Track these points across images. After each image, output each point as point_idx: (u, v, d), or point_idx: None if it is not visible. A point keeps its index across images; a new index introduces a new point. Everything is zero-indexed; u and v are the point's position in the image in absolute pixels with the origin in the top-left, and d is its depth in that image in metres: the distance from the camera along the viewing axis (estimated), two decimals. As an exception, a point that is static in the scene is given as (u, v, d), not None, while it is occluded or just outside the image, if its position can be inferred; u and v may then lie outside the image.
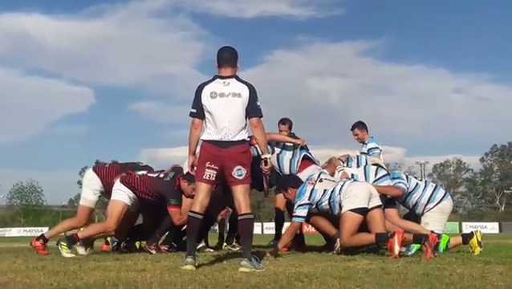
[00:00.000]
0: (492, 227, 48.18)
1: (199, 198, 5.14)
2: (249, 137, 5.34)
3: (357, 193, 6.47)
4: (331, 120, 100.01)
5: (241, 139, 5.10)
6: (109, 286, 3.85)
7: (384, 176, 7.28)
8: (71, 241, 6.95)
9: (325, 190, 6.71)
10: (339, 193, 6.57)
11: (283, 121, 9.80)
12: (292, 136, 9.65)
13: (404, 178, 7.47)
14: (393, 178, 7.32)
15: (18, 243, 14.36)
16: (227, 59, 5.27)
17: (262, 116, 5.21)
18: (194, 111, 5.20)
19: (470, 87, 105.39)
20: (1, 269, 5.03)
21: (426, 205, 7.35)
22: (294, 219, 6.72)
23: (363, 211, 6.42)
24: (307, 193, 6.70)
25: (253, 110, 5.16)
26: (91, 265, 5.25)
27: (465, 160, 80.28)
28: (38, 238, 7.45)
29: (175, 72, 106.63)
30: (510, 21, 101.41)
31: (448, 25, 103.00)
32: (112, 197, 7.30)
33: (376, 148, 8.64)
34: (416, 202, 7.39)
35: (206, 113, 5.15)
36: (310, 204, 6.68)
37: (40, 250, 7.23)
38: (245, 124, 5.16)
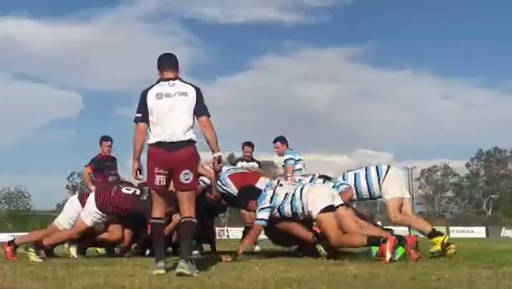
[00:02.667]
0: (479, 232, 48.36)
1: (157, 204, 5.21)
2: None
3: (319, 194, 6.52)
4: (320, 125, 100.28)
5: (188, 139, 5.08)
6: (98, 291, 3.85)
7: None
8: (38, 247, 7.27)
9: (286, 194, 6.77)
10: (301, 197, 6.59)
11: (249, 144, 11.10)
12: (252, 159, 10.97)
13: (341, 180, 7.58)
14: (334, 187, 7.35)
15: (5, 249, 14.24)
16: (169, 64, 5.37)
17: (210, 116, 5.21)
18: (139, 115, 5.21)
19: (458, 93, 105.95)
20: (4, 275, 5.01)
21: (378, 179, 7.40)
22: (256, 222, 6.84)
23: (332, 209, 6.41)
24: (268, 198, 6.77)
25: (201, 109, 5.19)
26: (79, 270, 5.24)
27: (451, 165, 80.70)
28: (9, 243, 7.56)
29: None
30: (498, 25, 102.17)
31: (436, 30, 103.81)
32: (83, 217, 7.52)
33: (291, 159, 9.58)
34: (369, 188, 7.45)
35: (152, 116, 5.15)
36: (272, 207, 6.72)
37: (9, 256, 7.36)
38: (192, 125, 5.15)
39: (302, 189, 6.70)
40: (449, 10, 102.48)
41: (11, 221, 67.55)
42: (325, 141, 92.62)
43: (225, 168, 7.70)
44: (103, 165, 10.48)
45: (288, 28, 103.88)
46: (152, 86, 5.26)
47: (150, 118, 5.14)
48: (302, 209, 6.56)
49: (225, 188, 7.78)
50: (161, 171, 5.07)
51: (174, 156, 5.04)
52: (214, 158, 5.27)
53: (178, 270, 4.73)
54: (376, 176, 7.40)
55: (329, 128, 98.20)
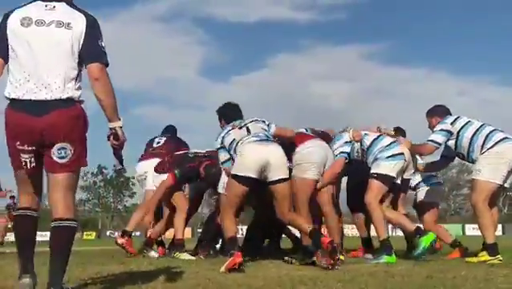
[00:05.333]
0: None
1: (25, 189, 3.49)
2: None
3: (244, 157, 5.49)
4: (335, 123, 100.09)
5: (66, 97, 3.26)
6: (113, 290, 3.86)
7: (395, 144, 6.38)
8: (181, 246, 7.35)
9: (233, 139, 5.82)
10: (235, 150, 5.71)
11: None
12: None
13: (451, 120, 6.36)
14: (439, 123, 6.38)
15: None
16: None
17: (107, 64, 3.39)
18: None
19: (474, 90, 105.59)
20: (6, 273, 5.04)
21: (482, 147, 6.07)
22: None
23: (248, 181, 5.42)
24: (219, 138, 5.96)
25: (92, 52, 3.33)
26: (95, 269, 5.25)
27: (467, 163, 79.88)
28: (122, 235, 7.71)
29: (177, 76, 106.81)
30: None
31: (450, 28, 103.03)
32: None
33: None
34: (471, 144, 6.15)
35: (12, 52, 3.30)
36: (223, 147, 5.92)
37: (128, 247, 7.52)
38: (76, 75, 3.34)
39: (242, 141, 5.70)
40: (465, 8, 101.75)
41: (27, 221, 68.29)
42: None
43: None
44: None
45: (302, 26, 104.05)
46: (22, 6, 3.38)
47: (10, 54, 3.31)
48: None
49: None
50: (25, 147, 3.25)
51: (42, 122, 3.20)
52: (109, 130, 3.44)
53: None
54: (484, 139, 6.08)
55: (344, 126, 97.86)
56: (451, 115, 6.57)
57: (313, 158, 6.02)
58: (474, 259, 5.87)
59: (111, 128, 3.42)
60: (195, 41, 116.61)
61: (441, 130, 6.35)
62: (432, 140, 6.37)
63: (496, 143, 6.02)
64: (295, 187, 5.89)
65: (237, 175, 5.47)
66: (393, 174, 6.23)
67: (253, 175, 5.40)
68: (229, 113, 6.31)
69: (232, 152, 5.80)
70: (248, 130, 5.83)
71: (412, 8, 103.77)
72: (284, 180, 5.51)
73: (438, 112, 6.68)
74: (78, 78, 3.34)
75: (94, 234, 54.19)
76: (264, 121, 6.01)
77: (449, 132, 6.31)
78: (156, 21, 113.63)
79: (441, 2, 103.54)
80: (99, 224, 70.89)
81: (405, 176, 6.59)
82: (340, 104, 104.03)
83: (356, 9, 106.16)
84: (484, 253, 5.92)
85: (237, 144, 5.71)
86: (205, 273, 4.86)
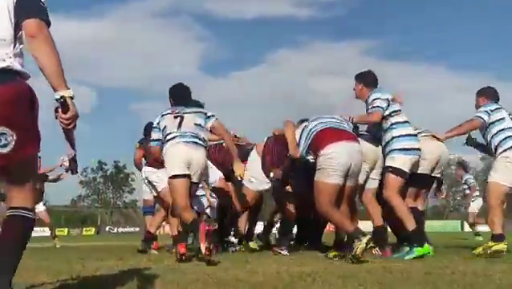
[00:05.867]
0: (494, 225, 47.87)
1: None
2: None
3: (173, 158, 5.94)
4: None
5: (4, 66, 2.61)
6: (112, 285, 3.86)
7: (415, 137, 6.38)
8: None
9: (165, 126, 6.12)
10: (165, 137, 6.08)
11: None
12: None
13: (492, 108, 6.60)
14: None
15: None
16: None
17: (48, 23, 2.71)
18: None
19: (472, 86, 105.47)
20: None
21: (496, 149, 6.46)
22: None
23: (185, 176, 5.92)
24: (159, 117, 6.23)
25: (28, 6, 2.66)
26: (94, 265, 5.27)
27: (466, 159, 79.74)
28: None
29: (176, 73, 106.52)
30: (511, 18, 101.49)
31: (449, 23, 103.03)
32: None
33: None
34: (490, 142, 6.51)
35: None
36: (158, 128, 6.20)
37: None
38: (14, 39, 2.68)
39: (172, 138, 6.02)
40: (463, 3, 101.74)
41: (26, 217, 68.26)
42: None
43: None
44: None
45: (301, 22, 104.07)
46: None
47: None
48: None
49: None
50: None
51: None
52: (57, 101, 2.68)
53: None
54: (498, 142, 6.41)
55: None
56: (498, 101, 6.79)
57: (336, 164, 5.69)
58: (480, 249, 6.09)
59: (57, 99, 2.67)
60: (193, 37, 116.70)
61: (486, 111, 6.57)
62: (478, 116, 6.57)
63: (509, 148, 6.36)
64: (317, 190, 5.76)
65: (174, 175, 5.89)
66: (406, 169, 6.16)
67: (186, 172, 5.89)
68: (178, 93, 6.52)
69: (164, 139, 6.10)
70: (180, 123, 6.05)
71: (411, 4, 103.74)
72: (196, 184, 6.12)
73: (486, 93, 6.88)
74: (15, 42, 2.68)
75: (93, 229, 54.23)
76: (206, 113, 6.27)
77: (490, 117, 6.53)
78: (155, 17, 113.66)
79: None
80: (99, 220, 70.89)
81: (434, 173, 6.65)
82: (339, 100, 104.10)
83: (355, 4, 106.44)
84: (490, 243, 6.16)
85: (166, 135, 6.03)
86: (205, 268, 4.86)
